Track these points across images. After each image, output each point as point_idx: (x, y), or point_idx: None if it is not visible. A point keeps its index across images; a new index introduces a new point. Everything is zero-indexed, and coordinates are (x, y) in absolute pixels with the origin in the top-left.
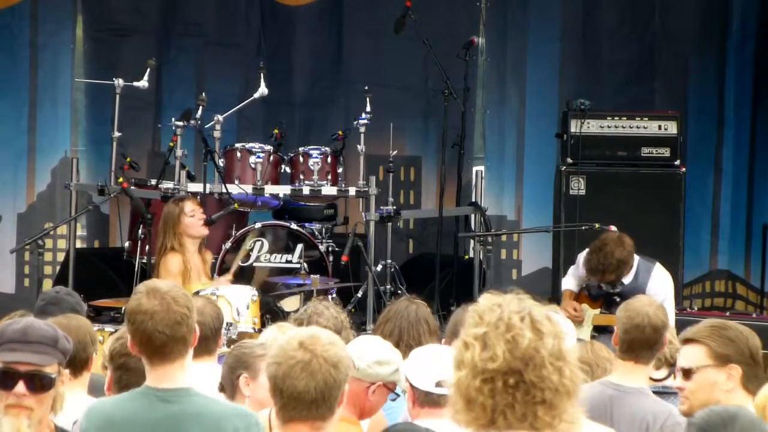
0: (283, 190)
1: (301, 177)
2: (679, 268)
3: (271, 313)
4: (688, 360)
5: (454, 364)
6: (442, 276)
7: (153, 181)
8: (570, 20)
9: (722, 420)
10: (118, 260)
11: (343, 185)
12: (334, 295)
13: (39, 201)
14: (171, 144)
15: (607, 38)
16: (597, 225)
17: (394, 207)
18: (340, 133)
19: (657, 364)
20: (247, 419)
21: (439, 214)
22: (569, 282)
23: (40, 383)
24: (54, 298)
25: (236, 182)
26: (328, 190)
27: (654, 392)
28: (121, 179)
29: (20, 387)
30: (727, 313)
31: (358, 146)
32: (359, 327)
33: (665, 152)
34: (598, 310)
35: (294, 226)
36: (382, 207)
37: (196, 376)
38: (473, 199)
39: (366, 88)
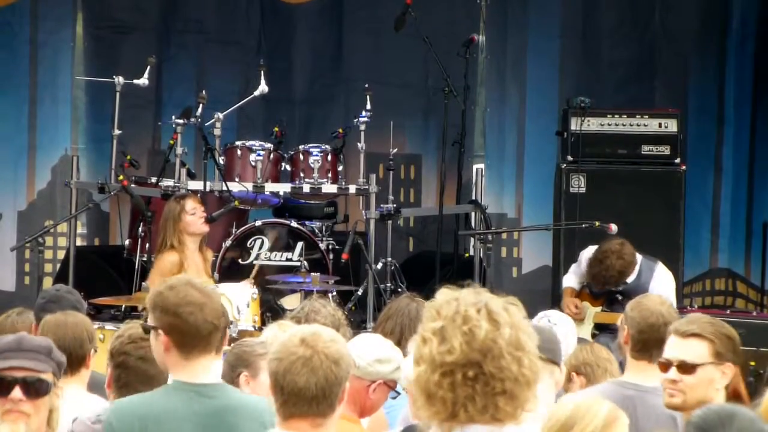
0: (284, 187)
1: (302, 175)
2: (680, 266)
3: (271, 311)
4: (691, 355)
5: (414, 360)
6: (442, 274)
7: (153, 179)
8: (570, 18)
9: (720, 419)
10: (118, 258)
11: (344, 183)
12: (334, 293)
13: (39, 199)
14: (171, 142)
15: (607, 36)
16: (597, 223)
17: (395, 205)
18: (341, 130)
19: None
20: None
21: (439, 211)
22: (570, 279)
23: (35, 388)
24: (54, 296)
25: (236, 180)
26: (329, 188)
27: None
28: (121, 177)
29: (17, 392)
30: (728, 312)
31: (359, 144)
32: (359, 325)
33: (665, 150)
34: (599, 308)
35: (294, 224)
36: (382, 205)
37: None
38: (473, 197)
39: (366, 85)
